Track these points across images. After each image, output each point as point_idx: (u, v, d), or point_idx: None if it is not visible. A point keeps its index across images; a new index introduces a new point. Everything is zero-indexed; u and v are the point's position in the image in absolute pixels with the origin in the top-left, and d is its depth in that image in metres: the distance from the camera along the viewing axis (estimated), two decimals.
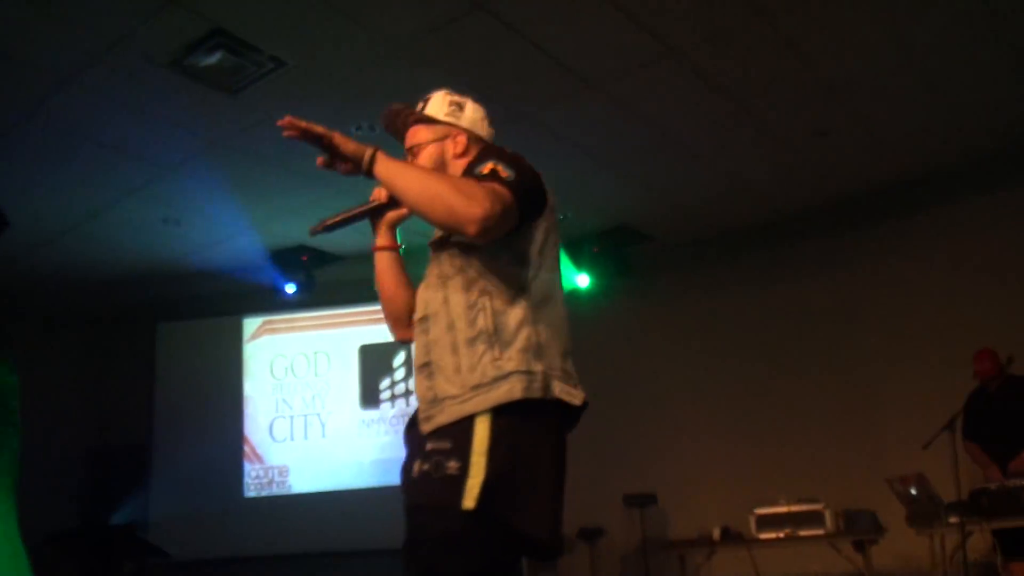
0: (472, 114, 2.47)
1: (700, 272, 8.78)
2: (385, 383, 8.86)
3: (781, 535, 6.14)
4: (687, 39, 5.37)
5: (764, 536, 6.19)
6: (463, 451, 2.08)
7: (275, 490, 8.69)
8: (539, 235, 2.28)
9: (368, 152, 2.22)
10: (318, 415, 8.85)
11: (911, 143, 7.04)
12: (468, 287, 2.21)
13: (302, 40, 4.99)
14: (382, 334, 8.79)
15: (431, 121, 2.44)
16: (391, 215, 2.49)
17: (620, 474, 8.25)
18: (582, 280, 8.40)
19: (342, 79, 5.41)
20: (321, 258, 8.26)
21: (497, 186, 2.13)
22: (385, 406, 8.81)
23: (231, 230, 7.58)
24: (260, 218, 7.38)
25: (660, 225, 8.30)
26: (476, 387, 2.12)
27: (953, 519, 5.52)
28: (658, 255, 8.81)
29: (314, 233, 2.41)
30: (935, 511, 5.65)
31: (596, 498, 8.13)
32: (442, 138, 2.42)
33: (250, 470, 8.75)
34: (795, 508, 6.21)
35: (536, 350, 2.19)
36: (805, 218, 8.19)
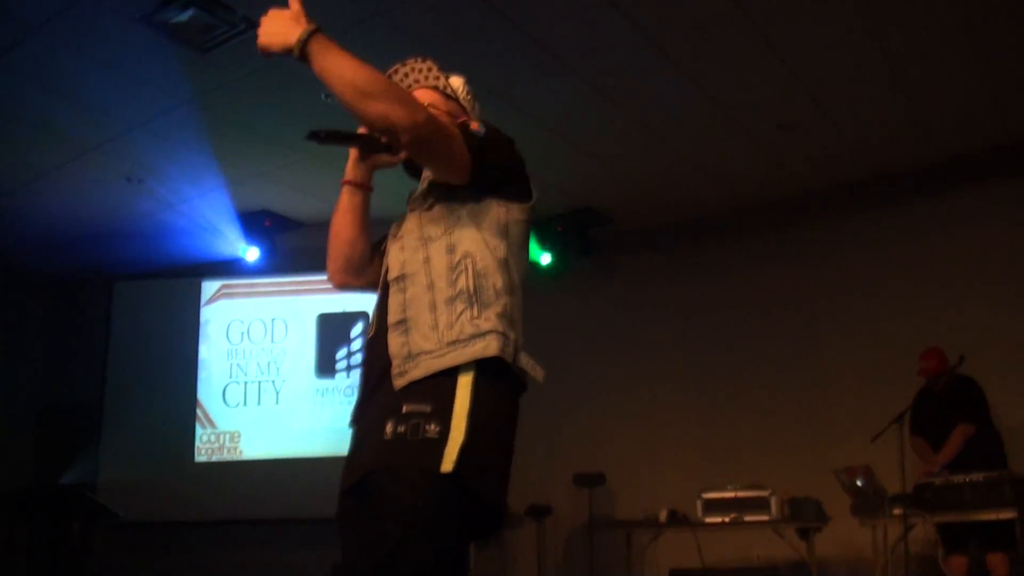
0: (478, 114, 2.47)
1: (659, 257, 8.85)
2: (342, 352, 8.81)
3: (727, 519, 6.22)
4: (664, 27, 5.40)
5: (710, 520, 6.27)
6: (444, 414, 2.05)
7: (226, 455, 8.63)
8: (524, 222, 2.32)
9: (303, 29, 2.05)
10: (272, 382, 8.79)
11: (876, 142, 7.13)
12: (451, 250, 2.21)
13: (274, 1, 4.94)
14: (341, 303, 8.76)
15: (449, 97, 2.44)
16: (382, 158, 2.44)
17: (571, 453, 8.31)
18: (544, 258, 8.44)
19: None
20: (283, 224, 8.22)
21: (453, 127, 2.17)
22: (341, 375, 8.77)
23: (194, 191, 7.50)
24: (224, 181, 7.31)
25: (623, 208, 8.34)
26: (452, 343, 2.11)
27: (896, 511, 5.64)
28: (619, 238, 8.86)
29: (313, 135, 2.27)
30: (879, 503, 5.76)
31: (546, 476, 8.20)
32: (453, 114, 2.38)
33: (201, 434, 8.68)
34: (742, 494, 6.29)
35: (511, 319, 2.22)
36: (766, 210, 8.27)
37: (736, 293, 8.37)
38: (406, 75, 2.40)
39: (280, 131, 6.46)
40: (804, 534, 6.13)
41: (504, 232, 2.27)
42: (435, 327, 2.14)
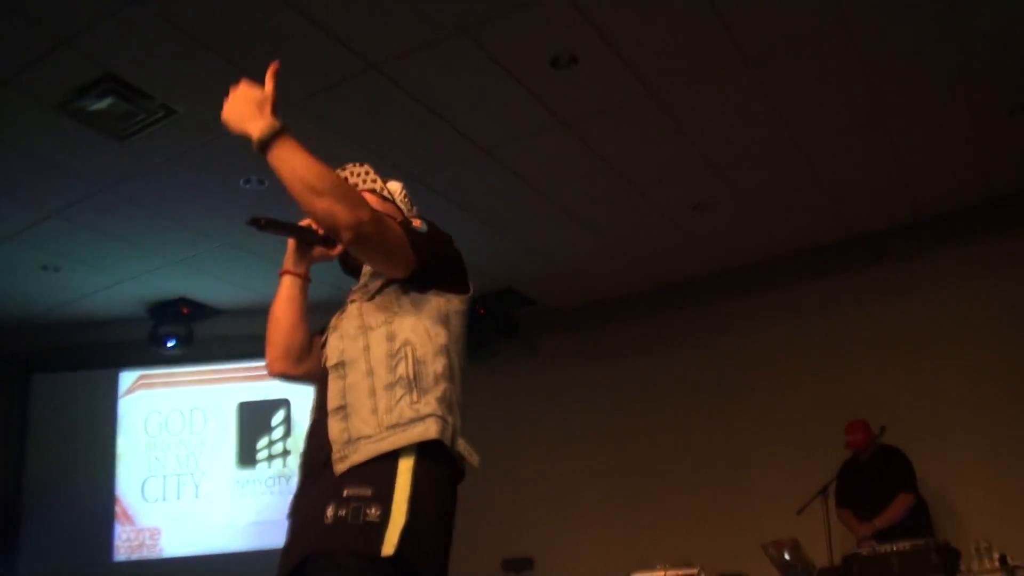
0: (414, 215, 2.54)
1: (582, 337, 8.93)
2: (263, 442, 8.68)
3: None
4: (577, 111, 5.54)
5: None
6: (385, 497, 2.06)
7: (145, 553, 8.35)
8: (463, 312, 2.41)
9: (266, 131, 2.14)
10: (191, 475, 8.60)
11: (789, 218, 7.35)
12: (391, 337, 2.25)
13: (194, 89, 4.95)
14: (261, 391, 8.66)
15: (385, 199, 2.53)
16: (320, 250, 2.50)
17: (498, 537, 8.22)
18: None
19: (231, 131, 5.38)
20: (201, 311, 8.10)
21: (395, 224, 2.25)
22: (262, 466, 8.62)
23: (112, 279, 7.38)
24: (142, 268, 7.22)
25: (545, 289, 8.43)
26: (392, 427, 2.14)
27: None
28: (542, 318, 8.93)
29: (254, 222, 2.27)
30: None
31: (474, 561, 8.07)
32: (390, 216, 2.42)
33: (120, 532, 8.41)
34: (671, 572, 6.26)
35: (449, 404, 2.25)
36: (684, 287, 8.44)
37: (658, 371, 8.47)
38: (345, 179, 2.44)
39: (198, 218, 6.43)
40: None
41: (445, 321, 2.33)
42: (375, 411, 2.16)
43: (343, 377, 2.24)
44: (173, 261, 7.12)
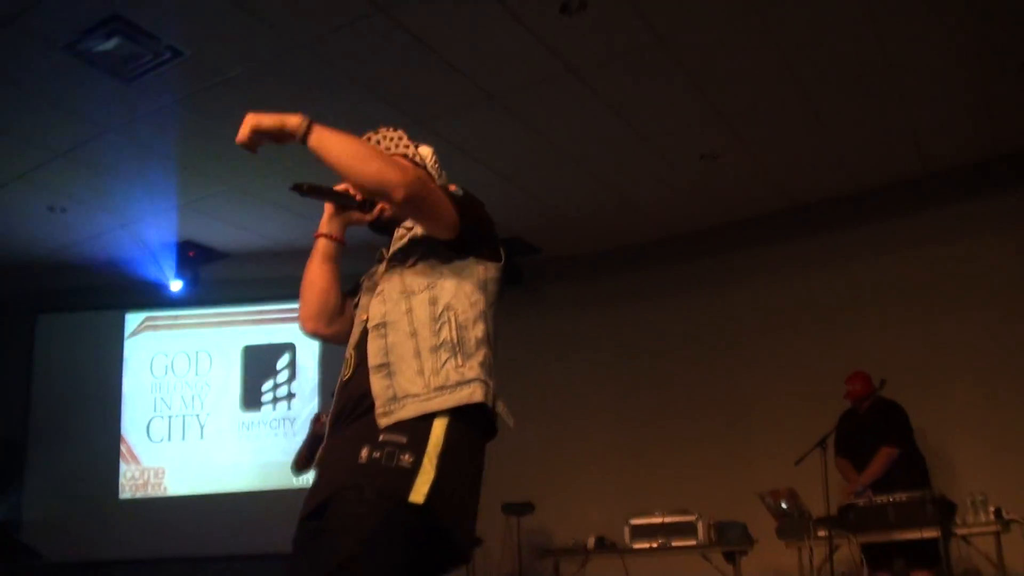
0: (445, 182, 2.64)
1: (587, 286, 8.96)
2: (268, 385, 8.75)
3: (654, 544, 6.28)
4: (586, 60, 5.51)
5: (638, 546, 6.31)
6: (419, 448, 2.16)
7: (150, 492, 8.48)
8: (498, 280, 2.50)
9: (303, 121, 2.24)
10: (197, 416, 8.68)
11: (796, 171, 7.33)
12: (433, 302, 2.35)
13: (201, 32, 4.95)
14: (266, 335, 8.69)
15: (417, 165, 2.53)
16: (355, 215, 2.55)
17: (499, 482, 8.22)
18: None
19: (238, 74, 5.37)
20: (208, 255, 8.14)
21: (436, 186, 2.38)
22: (266, 408, 8.69)
23: (118, 221, 7.41)
24: (148, 210, 7.24)
25: (551, 238, 8.44)
26: (440, 388, 2.25)
27: (821, 532, 5.73)
28: (548, 267, 8.96)
29: (296, 187, 2.36)
30: (804, 525, 5.85)
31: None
32: None
33: (126, 471, 8.52)
34: (668, 519, 6.35)
35: (489, 368, 2.37)
36: (690, 239, 8.46)
37: (662, 321, 8.51)
38: (378, 142, 2.54)
39: (205, 161, 6.44)
40: (731, 557, 6.20)
41: (483, 287, 2.43)
42: (420, 372, 2.26)
43: (384, 336, 2.33)
44: (180, 204, 7.13)
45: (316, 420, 6.42)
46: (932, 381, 6.98)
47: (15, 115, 5.76)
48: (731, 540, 6.18)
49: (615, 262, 8.82)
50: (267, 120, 2.23)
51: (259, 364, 8.78)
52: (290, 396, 8.62)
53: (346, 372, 2.39)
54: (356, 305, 2.51)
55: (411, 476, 2.11)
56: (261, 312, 8.81)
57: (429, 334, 2.30)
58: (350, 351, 2.42)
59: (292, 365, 8.73)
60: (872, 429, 6.23)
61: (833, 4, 5.12)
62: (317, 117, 2.24)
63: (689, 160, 6.96)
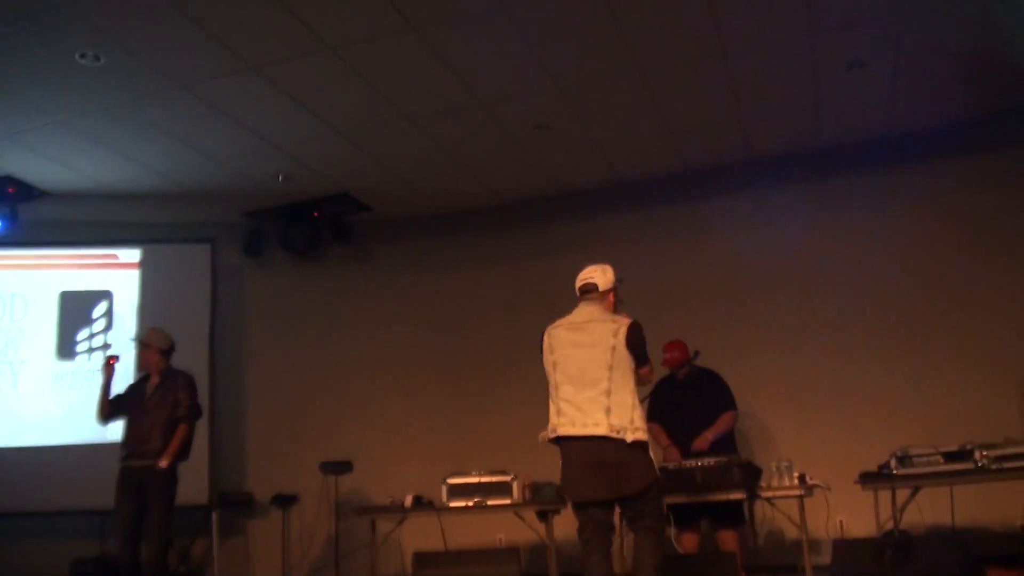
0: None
1: (416, 247, 9.00)
2: (83, 334, 8.31)
3: (470, 503, 6.38)
4: (428, 17, 5.48)
5: (454, 504, 6.40)
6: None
7: None
8: None
9: None
10: (10, 364, 8.18)
11: (627, 147, 7.58)
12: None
13: None
14: (84, 280, 8.21)
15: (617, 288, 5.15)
16: None
17: (318, 441, 8.28)
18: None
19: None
20: (28, 192, 7.63)
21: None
22: (81, 358, 8.26)
23: None
24: None
25: (382, 197, 8.41)
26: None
27: None
28: (377, 226, 8.93)
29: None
30: None
31: (294, 465, 8.16)
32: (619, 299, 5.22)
33: None
34: (485, 479, 6.46)
35: None
36: (521, 206, 8.60)
37: (489, 286, 8.65)
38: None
39: (29, 89, 6.02)
40: (543, 516, 6.37)
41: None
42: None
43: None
44: (1, 135, 6.71)
45: (107, 364, 6.14)
46: (739, 352, 7.39)
47: None
48: (544, 500, 6.35)
49: (446, 225, 8.87)
50: None
51: (75, 311, 8.34)
52: (106, 346, 8.18)
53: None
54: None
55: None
56: (81, 256, 8.38)
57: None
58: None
59: (109, 314, 8.35)
60: (695, 396, 6.51)
61: None
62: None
63: (524, 129, 7.07)
